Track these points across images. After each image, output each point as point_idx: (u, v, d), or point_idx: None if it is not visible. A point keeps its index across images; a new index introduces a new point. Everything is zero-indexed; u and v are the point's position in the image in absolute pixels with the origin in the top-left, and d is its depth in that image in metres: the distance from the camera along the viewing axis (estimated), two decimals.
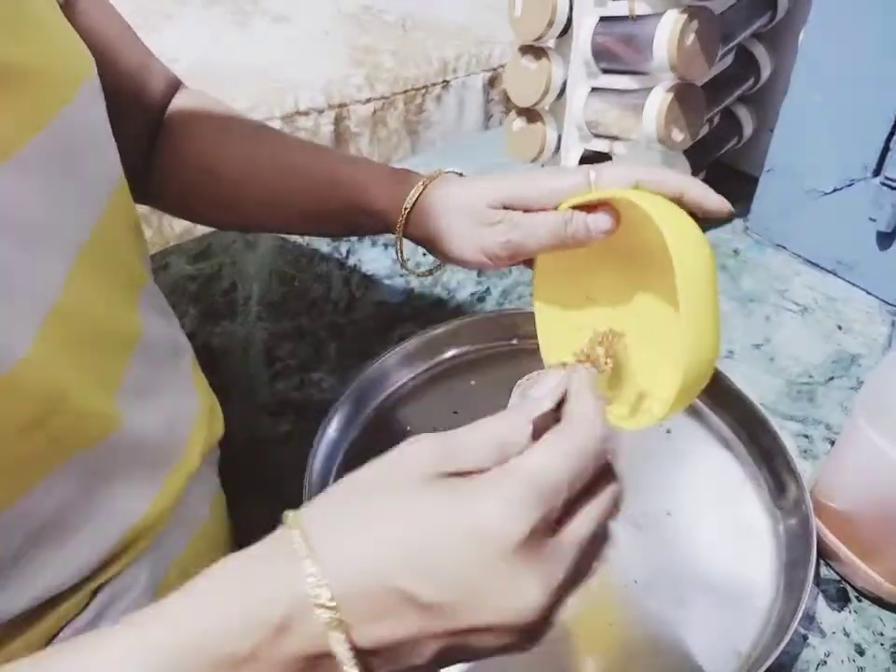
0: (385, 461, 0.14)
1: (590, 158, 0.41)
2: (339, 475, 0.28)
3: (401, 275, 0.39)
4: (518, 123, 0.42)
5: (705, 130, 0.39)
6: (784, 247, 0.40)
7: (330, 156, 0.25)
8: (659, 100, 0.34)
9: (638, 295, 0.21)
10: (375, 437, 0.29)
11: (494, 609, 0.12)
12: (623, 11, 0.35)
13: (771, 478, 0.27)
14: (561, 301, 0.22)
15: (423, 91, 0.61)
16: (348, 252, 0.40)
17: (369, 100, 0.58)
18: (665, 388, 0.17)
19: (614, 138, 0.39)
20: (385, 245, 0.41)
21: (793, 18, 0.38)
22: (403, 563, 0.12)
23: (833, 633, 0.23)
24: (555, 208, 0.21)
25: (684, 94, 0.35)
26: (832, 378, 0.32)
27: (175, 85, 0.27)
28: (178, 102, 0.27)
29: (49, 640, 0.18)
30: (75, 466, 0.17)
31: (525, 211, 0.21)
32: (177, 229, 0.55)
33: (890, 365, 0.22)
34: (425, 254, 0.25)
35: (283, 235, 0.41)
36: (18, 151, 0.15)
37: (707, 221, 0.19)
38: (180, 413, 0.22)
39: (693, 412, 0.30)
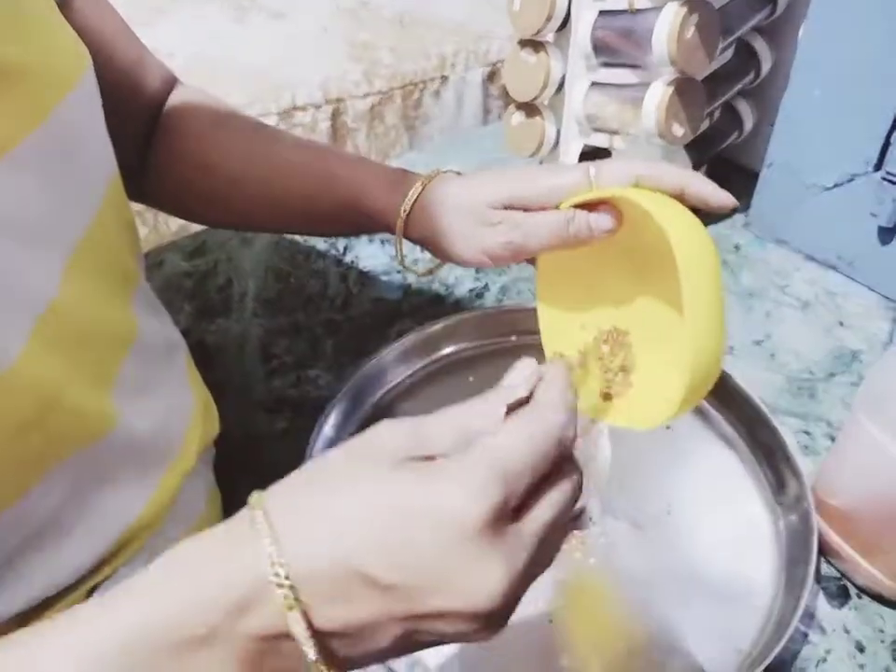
0: (354, 444, 0.14)
1: (589, 152, 0.41)
2: None
3: (398, 272, 0.38)
4: (517, 118, 0.42)
5: (705, 124, 0.39)
6: (785, 242, 0.39)
7: (328, 155, 0.25)
8: (659, 94, 0.34)
9: (642, 293, 0.20)
10: None
11: (453, 593, 0.12)
12: (623, 5, 0.35)
13: (771, 475, 0.27)
14: (564, 299, 0.22)
15: (421, 86, 0.60)
16: (345, 249, 0.40)
17: (366, 95, 0.58)
18: (672, 389, 0.17)
19: (613, 132, 0.39)
20: (383, 242, 0.41)
21: (794, 12, 0.38)
22: (363, 544, 0.12)
23: (834, 630, 0.23)
24: (556, 207, 0.20)
25: (684, 88, 0.34)
26: (832, 374, 0.32)
27: (171, 82, 0.27)
28: (175, 99, 0.26)
29: None
30: (71, 466, 0.17)
31: (526, 210, 0.21)
32: (173, 226, 0.54)
33: (891, 361, 0.22)
34: (422, 250, 0.24)
35: (275, 233, 0.40)
36: (13, 149, 0.15)
37: (707, 216, 0.19)
38: (176, 412, 0.22)
39: (693, 408, 0.30)
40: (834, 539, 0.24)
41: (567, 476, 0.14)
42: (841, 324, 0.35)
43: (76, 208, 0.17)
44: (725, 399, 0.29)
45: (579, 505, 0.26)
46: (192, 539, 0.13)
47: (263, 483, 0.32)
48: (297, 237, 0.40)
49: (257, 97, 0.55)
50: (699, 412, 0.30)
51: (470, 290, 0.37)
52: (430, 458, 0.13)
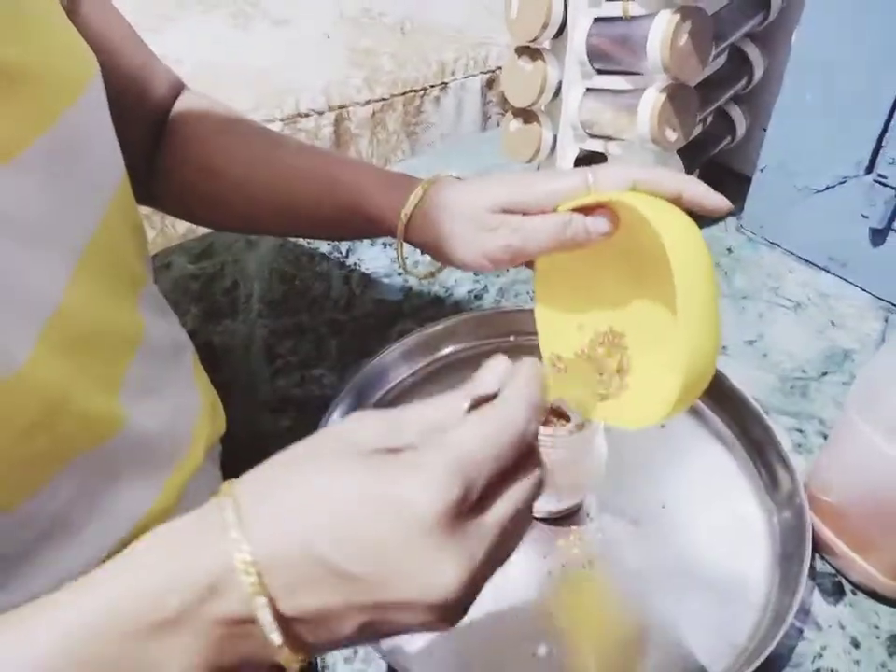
0: (325, 434, 0.14)
1: (585, 158, 0.41)
2: None
3: (400, 274, 0.39)
4: (514, 124, 0.42)
5: (698, 129, 0.40)
6: (777, 245, 0.40)
7: (331, 160, 0.26)
8: (652, 100, 0.35)
9: (639, 295, 0.21)
10: None
11: (411, 585, 0.12)
12: (617, 12, 0.35)
13: (765, 472, 0.27)
14: (561, 301, 0.22)
15: (421, 93, 0.61)
16: (348, 251, 0.41)
17: (368, 102, 0.59)
18: (667, 389, 0.18)
19: (609, 138, 0.39)
20: (385, 245, 0.41)
21: (786, 18, 0.38)
22: (325, 532, 0.12)
23: (829, 626, 0.24)
24: (555, 211, 0.21)
25: (678, 94, 0.35)
26: (825, 373, 0.33)
27: (178, 87, 0.27)
28: (181, 104, 0.27)
29: None
30: (79, 467, 0.17)
31: (525, 214, 0.21)
32: (180, 229, 0.55)
33: (883, 360, 0.23)
34: (422, 253, 0.25)
35: (279, 237, 0.41)
36: (21, 153, 0.15)
37: (701, 219, 0.19)
38: (183, 412, 0.22)
39: (687, 408, 0.30)
40: (828, 535, 0.25)
41: (528, 471, 0.14)
42: (833, 324, 0.35)
43: (83, 212, 0.18)
44: (719, 398, 0.29)
45: (575, 502, 0.26)
46: (164, 526, 0.13)
47: None
48: (301, 240, 0.41)
49: (261, 103, 0.56)
50: (694, 411, 0.30)
51: (469, 292, 0.38)
52: (396, 451, 0.13)
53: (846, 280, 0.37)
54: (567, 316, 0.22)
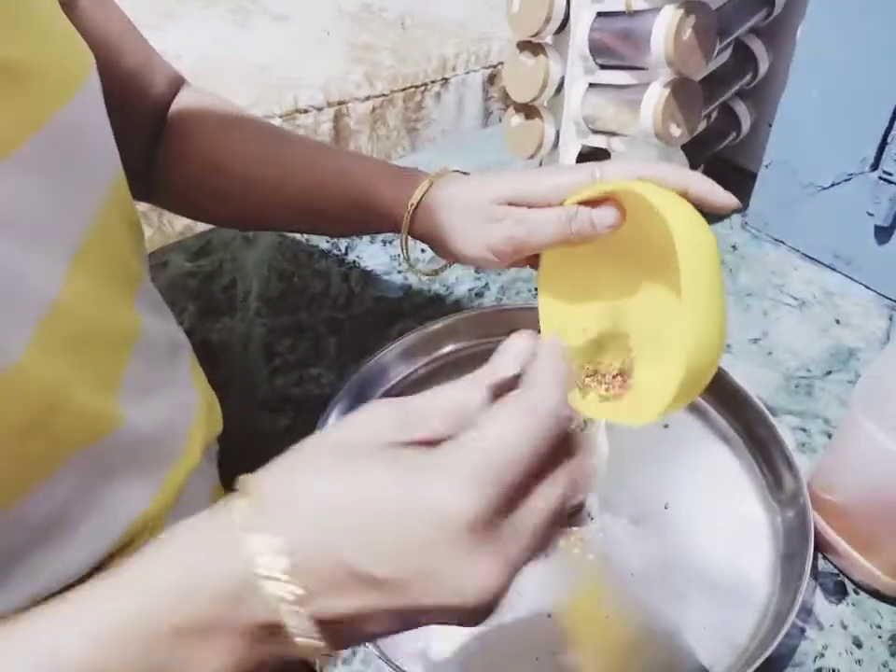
0: (340, 428, 0.14)
1: (588, 153, 0.41)
2: None
3: (400, 271, 0.39)
4: (516, 119, 0.42)
5: (702, 125, 0.39)
6: (782, 242, 0.40)
7: (337, 154, 0.26)
8: (656, 95, 0.34)
9: (645, 291, 0.21)
10: None
11: (442, 588, 0.12)
12: (620, 6, 0.35)
13: (769, 471, 0.27)
14: (565, 297, 0.22)
15: (422, 88, 0.61)
16: (347, 248, 0.41)
17: (368, 98, 0.59)
18: (670, 381, 0.17)
19: (612, 134, 0.39)
20: (384, 242, 0.41)
21: (791, 13, 0.38)
22: (355, 539, 0.12)
23: (831, 626, 0.23)
24: (560, 204, 0.21)
25: (682, 90, 0.35)
26: (829, 372, 0.33)
27: (178, 82, 0.27)
28: (182, 99, 0.27)
29: None
30: (75, 465, 0.17)
31: (530, 207, 0.21)
32: (178, 227, 0.55)
33: (888, 358, 0.22)
34: (424, 250, 0.25)
35: (282, 232, 0.41)
36: (17, 150, 0.15)
37: (706, 216, 0.19)
38: (180, 411, 0.22)
39: (691, 406, 0.30)
40: (831, 535, 0.25)
41: (563, 464, 0.13)
42: (838, 322, 0.35)
43: (79, 208, 0.17)
44: (723, 396, 0.29)
45: (577, 499, 0.26)
46: (183, 527, 0.13)
47: None
48: (300, 237, 0.41)
49: (260, 98, 0.56)
50: (697, 409, 0.30)
51: (470, 290, 0.37)
52: (418, 443, 0.13)
53: (851, 278, 0.37)
54: (570, 312, 0.22)
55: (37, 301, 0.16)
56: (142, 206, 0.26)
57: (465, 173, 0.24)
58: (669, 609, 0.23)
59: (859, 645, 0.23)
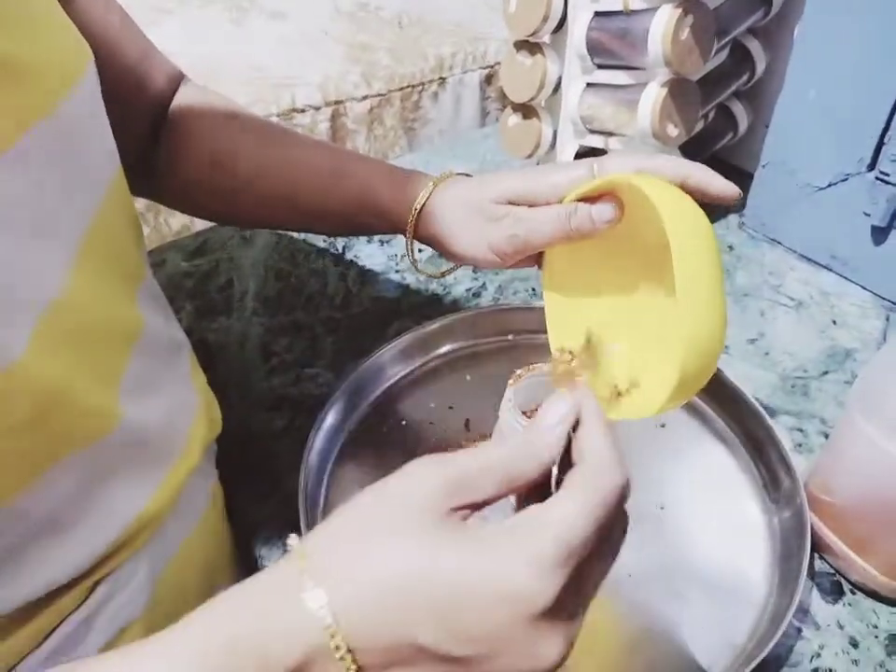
0: (394, 487, 0.13)
1: (585, 154, 0.41)
2: (335, 468, 0.28)
3: (397, 271, 0.39)
4: (514, 119, 0.42)
5: (700, 125, 0.39)
6: (779, 242, 0.40)
7: (337, 153, 0.25)
8: (654, 95, 0.34)
9: (647, 286, 0.20)
10: (371, 431, 0.29)
11: (514, 662, 0.12)
12: (618, 6, 0.35)
13: (765, 471, 0.27)
14: (569, 294, 0.22)
15: (419, 88, 0.61)
16: (344, 248, 0.40)
17: (365, 97, 0.59)
18: (666, 381, 0.17)
19: (609, 134, 0.39)
20: (381, 242, 0.41)
21: (788, 13, 0.38)
22: (428, 620, 0.12)
23: (828, 625, 0.24)
24: (560, 202, 0.21)
25: (679, 89, 0.35)
26: (826, 372, 0.33)
27: (177, 79, 0.27)
28: (183, 96, 0.26)
29: (47, 636, 0.18)
30: (75, 463, 0.17)
31: (531, 206, 0.21)
32: (174, 226, 0.55)
33: (885, 358, 0.22)
34: (422, 249, 0.25)
35: (279, 231, 0.41)
36: (15, 145, 0.15)
37: (705, 212, 0.19)
38: (180, 410, 0.22)
39: (688, 406, 0.30)
40: (828, 535, 0.25)
41: (620, 528, 0.14)
42: (835, 323, 0.35)
43: (80, 204, 0.17)
44: (720, 396, 0.29)
45: None
46: (241, 596, 0.13)
47: (262, 479, 0.32)
48: (296, 237, 0.41)
49: (257, 98, 0.55)
50: (694, 409, 0.30)
51: (467, 290, 0.37)
52: (472, 507, 0.13)
53: (847, 278, 0.37)
54: (575, 309, 0.22)
55: (40, 296, 0.16)
56: (138, 205, 0.26)
57: (467, 175, 0.24)
58: (666, 610, 0.23)
59: (855, 645, 0.23)
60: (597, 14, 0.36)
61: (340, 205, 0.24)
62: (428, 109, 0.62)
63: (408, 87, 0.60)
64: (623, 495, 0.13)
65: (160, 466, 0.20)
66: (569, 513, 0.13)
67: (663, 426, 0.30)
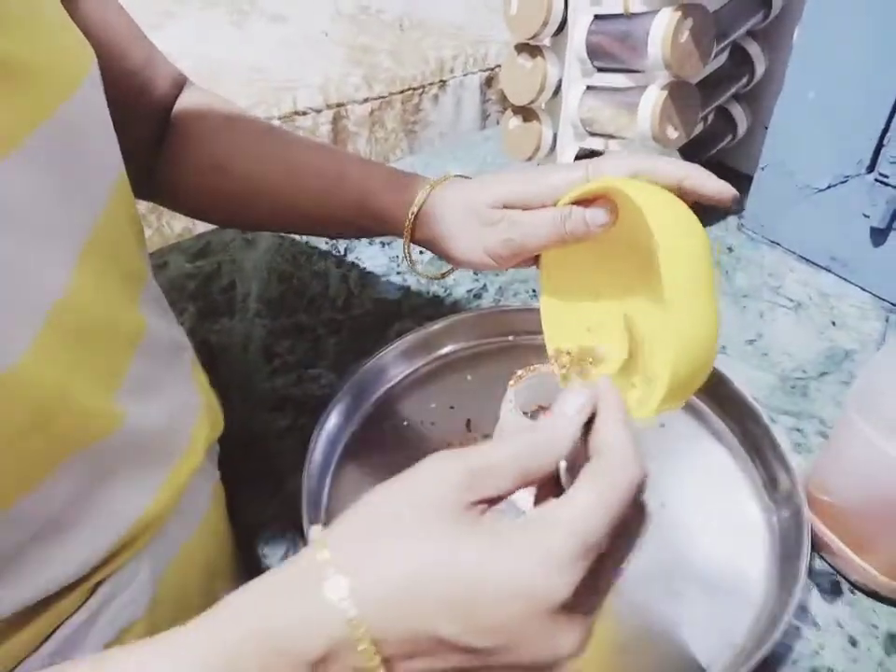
0: (411, 482, 0.14)
1: (585, 156, 0.41)
2: (338, 469, 0.28)
3: (398, 273, 0.39)
4: (514, 122, 0.42)
5: (699, 128, 0.39)
6: (778, 244, 0.40)
7: (340, 156, 0.26)
8: (653, 98, 0.35)
9: (641, 289, 0.20)
10: (373, 431, 0.30)
11: (532, 654, 0.13)
12: (618, 9, 0.35)
13: (764, 471, 0.27)
14: (566, 296, 0.22)
15: (420, 90, 0.61)
16: (346, 250, 0.41)
17: (366, 100, 0.59)
18: (659, 384, 0.17)
19: (609, 136, 0.39)
20: (383, 244, 0.41)
21: (788, 15, 0.38)
22: (448, 613, 0.12)
23: (827, 625, 0.24)
24: (555, 205, 0.21)
25: (679, 92, 0.35)
26: (825, 373, 0.33)
27: (181, 82, 0.27)
28: (185, 99, 0.27)
29: (48, 637, 0.18)
30: (77, 464, 0.17)
31: (525, 209, 0.21)
32: (177, 228, 0.55)
33: (884, 359, 0.23)
34: (422, 252, 0.25)
35: (281, 234, 0.41)
36: (19, 146, 0.15)
37: (701, 218, 0.19)
38: (182, 411, 0.22)
39: (687, 406, 0.30)
40: (827, 534, 0.25)
41: (639, 522, 0.14)
42: (834, 324, 0.35)
43: (83, 206, 0.17)
44: (719, 397, 0.29)
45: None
46: (264, 589, 0.13)
47: (265, 479, 0.32)
48: (299, 239, 0.41)
49: (258, 100, 0.56)
50: (693, 409, 0.30)
51: (468, 291, 0.38)
52: (489, 502, 0.13)
53: (846, 280, 0.37)
54: (571, 311, 0.22)
55: (42, 300, 0.16)
56: (141, 208, 0.26)
57: (465, 177, 0.24)
58: (666, 609, 0.24)
59: (854, 644, 0.23)
60: (597, 17, 0.37)
61: (340, 209, 0.25)
62: (429, 112, 0.62)
63: (409, 89, 0.61)
64: (639, 490, 0.13)
65: (161, 467, 0.21)
66: (584, 509, 0.13)
67: (662, 426, 0.30)
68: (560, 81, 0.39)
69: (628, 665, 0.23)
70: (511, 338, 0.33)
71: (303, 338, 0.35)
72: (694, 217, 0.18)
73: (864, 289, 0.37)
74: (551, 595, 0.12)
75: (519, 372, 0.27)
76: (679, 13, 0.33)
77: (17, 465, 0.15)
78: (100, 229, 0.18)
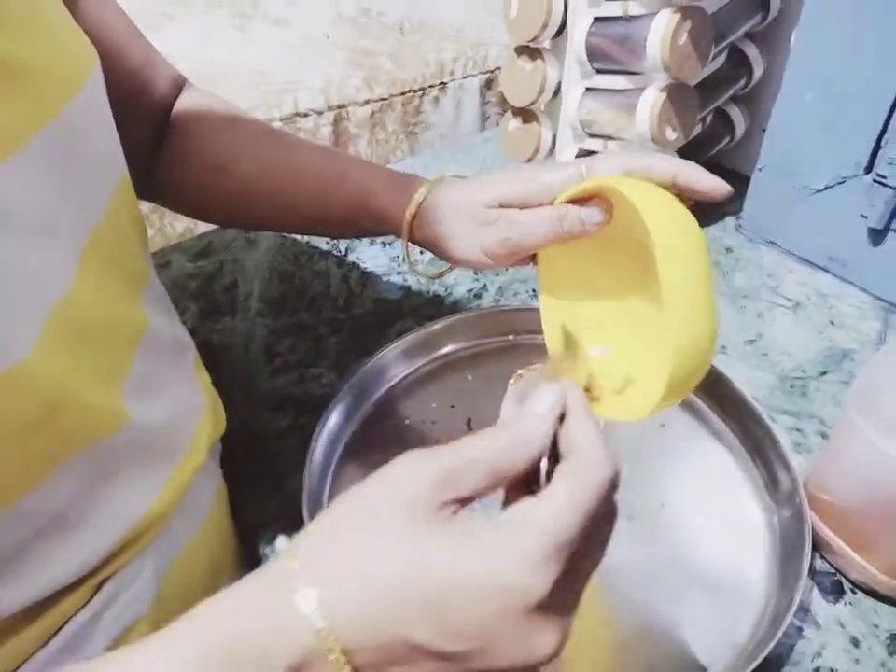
0: (382, 484, 0.13)
1: (584, 157, 0.41)
2: (338, 468, 0.28)
3: (399, 272, 0.39)
4: (514, 123, 0.42)
5: (697, 129, 0.40)
6: (776, 245, 0.40)
7: (339, 157, 0.26)
8: (652, 99, 0.35)
9: (639, 287, 0.20)
10: (374, 431, 0.30)
11: (509, 656, 0.12)
12: (617, 12, 0.35)
13: (765, 471, 0.27)
14: (565, 294, 0.22)
15: (420, 93, 0.61)
16: (347, 250, 0.41)
17: (367, 102, 0.59)
18: (658, 382, 0.17)
19: (608, 138, 0.39)
20: (384, 243, 0.41)
21: (786, 17, 0.39)
22: (420, 617, 0.12)
23: (829, 625, 0.24)
24: (551, 203, 0.21)
25: (677, 94, 0.35)
26: (824, 373, 0.33)
27: (180, 83, 0.27)
28: (186, 100, 0.27)
29: (51, 636, 0.18)
30: (80, 462, 0.17)
31: (522, 208, 0.21)
32: (178, 228, 0.55)
33: (884, 358, 0.23)
34: (423, 252, 0.25)
35: (283, 234, 0.41)
36: (22, 148, 0.15)
37: (700, 219, 0.19)
38: (185, 409, 0.22)
39: (687, 406, 0.30)
40: (828, 534, 0.25)
41: (610, 521, 0.14)
42: (832, 324, 0.35)
43: (85, 205, 0.17)
44: (719, 397, 0.29)
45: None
46: (232, 600, 0.13)
47: (267, 478, 0.32)
48: (300, 239, 0.41)
49: (259, 102, 0.56)
50: (693, 409, 0.30)
51: (469, 291, 0.38)
52: (461, 502, 0.13)
53: (845, 280, 0.37)
54: (571, 311, 0.22)
55: (46, 299, 0.16)
56: (143, 208, 0.26)
57: (462, 177, 0.24)
58: (667, 609, 0.23)
59: (856, 644, 0.23)
60: (597, 20, 0.37)
61: (340, 209, 0.25)
62: (429, 114, 0.63)
63: (409, 91, 0.61)
64: (611, 488, 0.13)
65: (165, 465, 0.21)
66: (557, 508, 0.13)
67: (662, 425, 0.30)
68: (559, 83, 0.40)
69: (629, 666, 0.23)
70: (511, 337, 0.33)
71: (304, 337, 0.35)
72: (690, 215, 0.18)
73: (863, 289, 0.37)
74: (524, 595, 0.12)
75: (519, 372, 0.27)
76: (678, 15, 0.33)
77: (20, 463, 0.15)
78: (102, 229, 0.18)
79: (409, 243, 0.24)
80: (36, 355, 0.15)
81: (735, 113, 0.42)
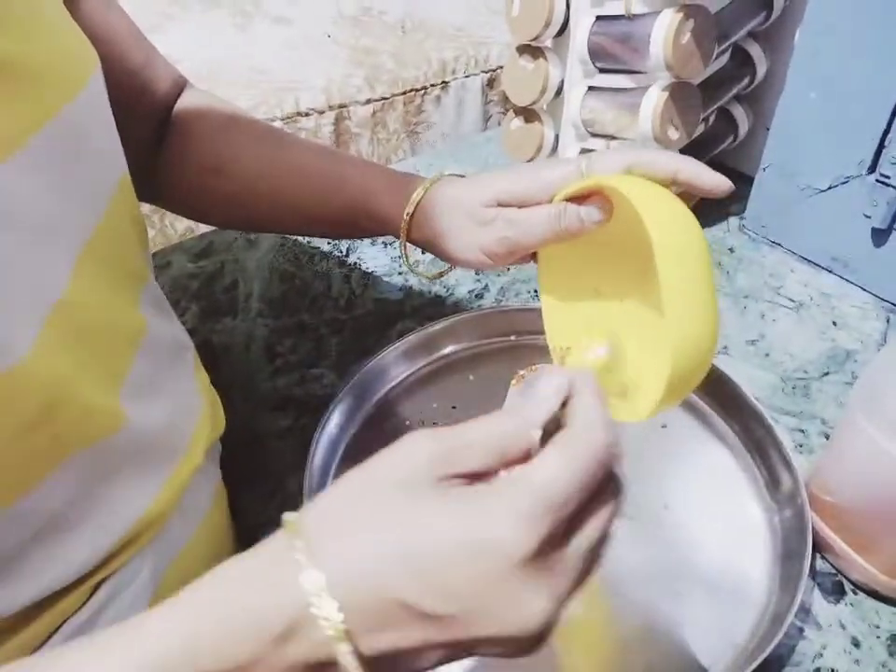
0: (383, 461, 0.14)
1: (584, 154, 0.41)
2: (339, 469, 0.28)
3: (400, 273, 0.39)
4: (516, 123, 0.42)
5: (700, 129, 0.39)
6: (779, 245, 0.40)
7: (339, 158, 0.26)
8: (655, 99, 0.35)
9: (639, 286, 0.20)
10: (375, 431, 0.30)
11: (499, 621, 0.12)
12: (620, 10, 0.35)
13: (766, 471, 0.27)
14: (565, 292, 0.22)
15: (422, 92, 0.61)
16: (348, 250, 0.41)
17: (368, 101, 0.59)
18: (658, 382, 0.17)
19: (611, 137, 0.39)
20: (385, 244, 0.41)
21: (789, 16, 0.38)
22: (409, 577, 0.12)
23: (830, 625, 0.24)
24: (550, 201, 0.21)
25: (680, 93, 0.35)
26: (826, 373, 0.33)
27: (181, 83, 0.27)
28: (186, 101, 0.27)
29: (49, 637, 0.18)
30: (78, 464, 0.17)
31: (521, 207, 0.21)
32: (179, 228, 0.55)
33: (886, 360, 0.23)
34: (423, 252, 0.25)
35: (283, 234, 0.41)
36: (22, 148, 0.15)
37: (702, 219, 0.19)
38: (183, 411, 0.22)
39: (689, 406, 0.30)
40: (829, 535, 0.25)
41: (611, 496, 0.14)
42: (835, 324, 0.35)
43: (85, 206, 0.17)
44: (721, 397, 0.29)
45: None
46: (231, 565, 0.13)
47: (267, 479, 0.32)
48: (301, 239, 0.41)
49: (261, 101, 0.56)
50: (695, 410, 0.30)
51: (470, 291, 0.38)
52: (463, 477, 0.13)
53: (848, 280, 0.37)
54: (571, 308, 0.22)
55: (45, 297, 0.16)
56: (144, 208, 0.26)
57: (460, 176, 0.24)
58: (668, 609, 0.24)
59: (857, 645, 0.23)
60: (599, 18, 0.37)
61: (339, 209, 0.25)
62: (431, 113, 0.63)
63: (411, 91, 0.61)
64: (609, 453, 0.13)
65: (163, 466, 0.21)
66: (549, 469, 0.13)
67: (664, 426, 0.30)
68: (562, 82, 0.40)
69: (630, 665, 0.23)
70: (512, 338, 0.33)
71: (305, 338, 0.35)
72: (690, 214, 0.18)
73: (865, 290, 0.37)
74: (513, 552, 0.12)
75: (521, 372, 0.27)
76: (681, 14, 0.33)
77: (18, 463, 0.15)
78: (101, 229, 0.18)
79: (408, 243, 0.24)
80: (35, 355, 0.15)
81: (739, 112, 0.42)
